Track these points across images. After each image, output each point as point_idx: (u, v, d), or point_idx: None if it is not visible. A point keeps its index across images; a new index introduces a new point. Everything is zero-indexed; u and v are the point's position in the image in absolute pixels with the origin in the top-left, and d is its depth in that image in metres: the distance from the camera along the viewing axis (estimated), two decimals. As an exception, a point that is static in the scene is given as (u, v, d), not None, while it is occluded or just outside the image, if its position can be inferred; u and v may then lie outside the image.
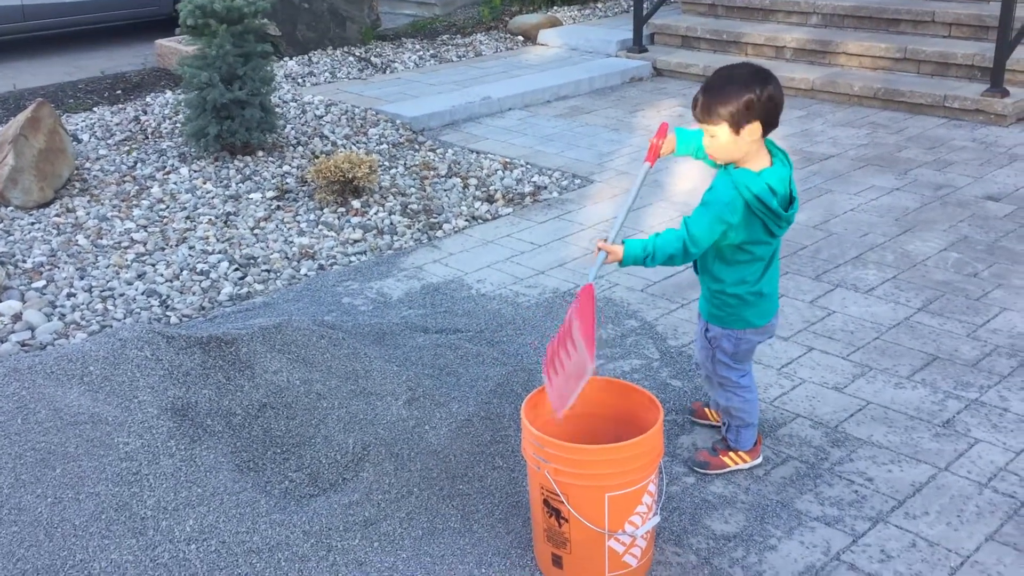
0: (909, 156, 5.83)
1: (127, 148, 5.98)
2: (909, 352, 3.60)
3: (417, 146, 6.18)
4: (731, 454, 2.93)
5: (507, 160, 5.87)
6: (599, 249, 2.68)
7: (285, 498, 2.76)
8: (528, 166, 5.80)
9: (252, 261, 4.52)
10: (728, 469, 2.92)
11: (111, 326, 3.90)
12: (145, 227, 4.87)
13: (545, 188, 5.47)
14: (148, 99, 7.05)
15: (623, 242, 2.67)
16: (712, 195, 2.59)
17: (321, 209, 5.10)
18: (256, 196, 5.25)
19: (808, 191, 5.29)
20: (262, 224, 4.92)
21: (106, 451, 2.69)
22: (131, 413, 2.80)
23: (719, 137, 2.55)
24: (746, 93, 2.49)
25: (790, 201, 2.64)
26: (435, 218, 5.03)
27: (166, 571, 2.47)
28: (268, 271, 4.44)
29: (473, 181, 5.53)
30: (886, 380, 3.42)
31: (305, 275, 4.42)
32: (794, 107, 6.93)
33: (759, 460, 2.96)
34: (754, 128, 2.51)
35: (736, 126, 2.51)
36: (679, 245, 2.61)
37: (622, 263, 2.67)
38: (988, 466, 2.93)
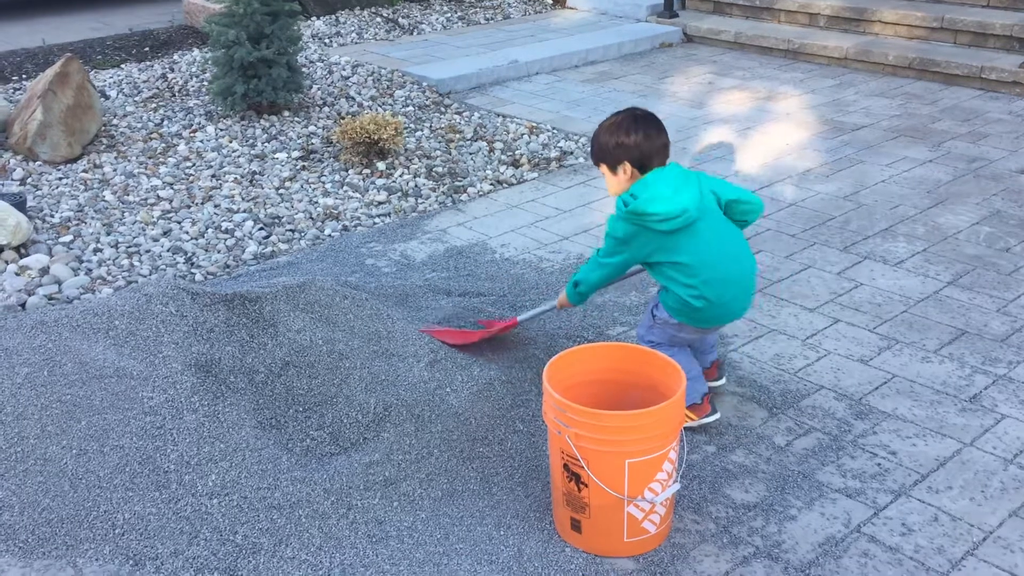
0: (943, 128, 5.73)
1: (154, 105, 5.99)
2: (937, 326, 3.56)
3: (443, 109, 6.14)
4: None
5: (533, 125, 5.83)
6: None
7: (306, 456, 2.77)
8: (554, 131, 5.75)
9: (277, 220, 4.52)
10: None
11: (137, 282, 3.92)
12: (171, 184, 4.88)
13: (571, 153, 5.42)
14: (176, 57, 7.04)
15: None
16: (607, 223, 2.92)
17: (346, 170, 5.09)
18: (282, 156, 5.24)
19: (839, 162, 5.22)
20: (287, 184, 4.91)
21: (131, 405, 2.72)
22: (155, 368, 2.82)
23: (605, 176, 2.93)
24: (614, 139, 2.83)
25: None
26: (460, 181, 5.00)
27: (188, 524, 2.50)
28: (292, 231, 4.44)
29: (499, 145, 5.50)
30: (913, 353, 3.38)
31: (329, 236, 4.42)
32: (826, 76, 6.82)
33: (713, 417, 2.96)
34: (626, 167, 2.84)
35: (612, 168, 2.88)
36: (595, 269, 2.96)
37: (573, 302, 3.07)
38: (1014, 442, 2.90)
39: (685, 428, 2.91)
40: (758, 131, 5.67)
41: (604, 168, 2.91)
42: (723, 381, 3.17)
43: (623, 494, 2.40)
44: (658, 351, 2.81)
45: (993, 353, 3.37)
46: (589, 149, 2.96)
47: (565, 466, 2.45)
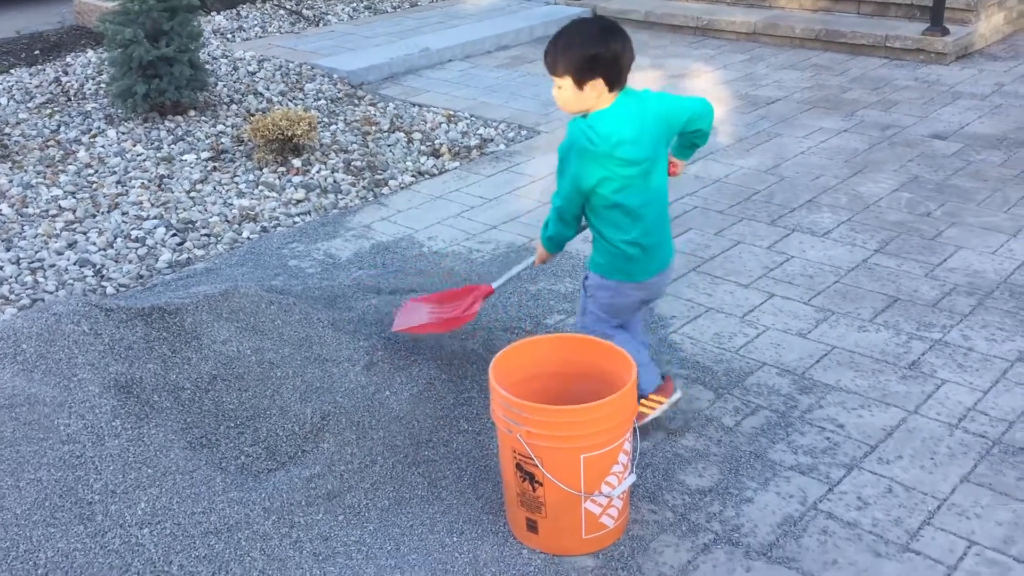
0: (854, 97, 5.80)
1: (49, 111, 5.66)
2: (869, 294, 3.58)
3: (357, 101, 5.97)
4: (641, 402, 2.79)
5: (451, 113, 5.70)
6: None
7: (242, 474, 2.62)
8: (473, 118, 5.63)
9: (190, 225, 4.31)
10: (647, 418, 2.79)
11: (43, 299, 3.68)
12: (73, 193, 4.61)
13: (491, 140, 5.32)
14: (69, 59, 6.68)
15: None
16: (559, 151, 2.66)
17: (260, 169, 4.89)
18: (190, 157, 5.01)
19: (757, 135, 5.23)
20: (198, 187, 4.69)
21: (46, 434, 2.52)
22: (71, 393, 2.62)
23: (564, 89, 2.59)
24: (591, 49, 2.52)
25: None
26: (380, 175, 4.85)
27: (118, 558, 2.33)
28: (208, 235, 4.23)
29: (417, 135, 5.36)
30: (849, 324, 3.39)
31: (248, 238, 4.23)
32: (736, 51, 6.86)
33: (677, 395, 2.84)
34: (597, 84, 2.54)
35: (579, 81, 2.54)
36: (552, 209, 2.72)
37: (548, 249, 2.85)
38: (957, 407, 2.92)
39: (652, 417, 2.80)
40: (676, 109, 5.65)
41: (568, 80, 2.54)
42: (679, 395, 2.91)
43: (580, 490, 2.32)
44: (605, 339, 2.73)
45: (926, 318, 3.40)
46: (546, 58, 2.57)
47: (518, 466, 2.36)
